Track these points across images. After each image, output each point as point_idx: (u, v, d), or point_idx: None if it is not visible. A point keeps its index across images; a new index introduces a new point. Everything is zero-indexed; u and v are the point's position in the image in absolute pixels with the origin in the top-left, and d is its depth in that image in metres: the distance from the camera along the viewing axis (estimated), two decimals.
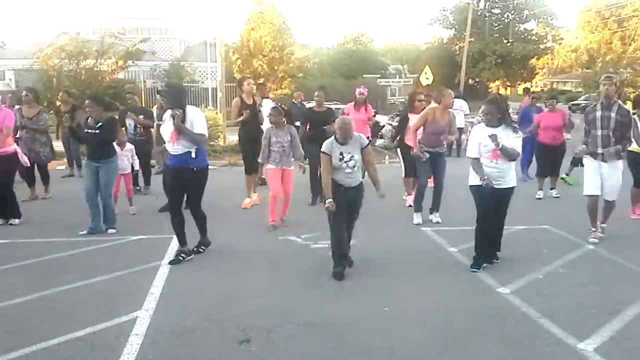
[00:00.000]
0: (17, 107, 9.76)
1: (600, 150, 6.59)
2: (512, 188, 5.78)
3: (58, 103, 11.72)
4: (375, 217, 7.54)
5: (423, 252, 6.51)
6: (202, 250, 6.32)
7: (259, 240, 7.00)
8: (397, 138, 9.19)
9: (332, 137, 5.69)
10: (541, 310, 4.71)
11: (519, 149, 5.65)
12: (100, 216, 7.26)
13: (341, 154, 5.55)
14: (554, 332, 4.33)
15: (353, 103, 10.15)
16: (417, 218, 7.78)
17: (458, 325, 4.47)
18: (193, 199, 6.17)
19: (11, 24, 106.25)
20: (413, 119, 8.30)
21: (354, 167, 5.58)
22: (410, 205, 8.46)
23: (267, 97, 10.75)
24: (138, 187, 9.71)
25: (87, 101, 7.35)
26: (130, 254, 6.36)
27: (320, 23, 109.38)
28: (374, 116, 11.48)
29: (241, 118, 8.52)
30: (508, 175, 5.69)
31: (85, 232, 7.15)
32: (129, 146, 8.59)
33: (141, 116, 9.85)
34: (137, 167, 8.85)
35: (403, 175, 8.99)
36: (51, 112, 12.54)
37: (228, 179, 10.96)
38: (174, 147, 5.86)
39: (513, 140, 5.59)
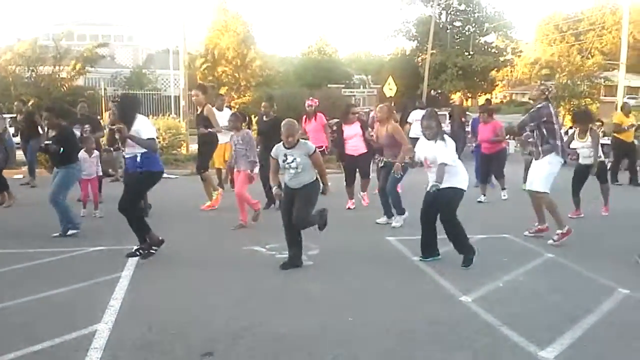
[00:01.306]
0: None
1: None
2: (447, 189, 6.07)
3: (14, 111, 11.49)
4: (339, 226, 7.56)
5: (387, 261, 6.55)
6: (139, 254, 6.31)
7: (223, 250, 6.94)
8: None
9: (281, 143, 6.04)
10: (502, 318, 4.78)
11: (444, 157, 6.09)
12: (67, 211, 7.24)
13: (285, 155, 5.95)
14: (515, 340, 4.40)
15: (305, 115, 10.46)
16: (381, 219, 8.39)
17: (420, 334, 4.50)
18: (123, 196, 6.25)
19: None
20: (347, 130, 9.25)
21: (296, 168, 5.91)
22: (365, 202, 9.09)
23: (227, 107, 10.96)
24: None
25: (44, 113, 7.38)
26: (90, 266, 6.21)
27: (285, 32, 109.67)
28: (333, 125, 11.76)
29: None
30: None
31: (57, 234, 7.16)
32: (96, 152, 8.71)
33: (87, 125, 9.88)
34: (100, 172, 8.90)
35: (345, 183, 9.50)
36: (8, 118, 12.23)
37: (190, 188, 10.85)
38: (126, 152, 6.30)
39: (442, 149, 6.13)
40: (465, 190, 6.26)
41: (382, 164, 8.19)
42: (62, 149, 7.06)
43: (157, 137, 14.45)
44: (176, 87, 34.69)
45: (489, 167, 10.65)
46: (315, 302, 5.22)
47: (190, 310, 4.94)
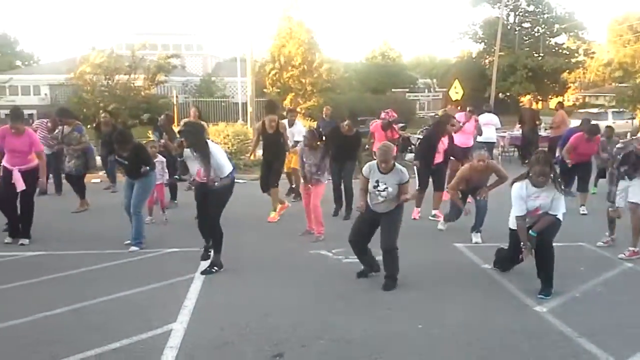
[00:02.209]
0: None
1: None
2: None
3: (100, 119, 12.02)
4: (407, 233, 7.48)
5: (456, 268, 6.44)
6: (214, 271, 6.20)
7: (290, 254, 7.01)
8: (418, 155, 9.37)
9: (375, 162, 5.77)
10: (579, 330, 4.61)
11: (561, 210, 5.54)
12: (142, 227, 7.33)
13: (377, 181, 5.68)
14: (593, 352, 4.23)
15: (380, 123, 10.31)
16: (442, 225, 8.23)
17: (493, 344, 4.39)
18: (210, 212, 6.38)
19: (46, 40, 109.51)
20: (443, 140, 8.88)
21: (385, 197, 5.69)
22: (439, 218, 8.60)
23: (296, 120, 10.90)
24: (175, 202, 9.99)
25: (115, 144, 7.32)
26: (164, 267, 6.43)
27: (348, 38, 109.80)
28: (400, 135, 11.70)
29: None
30: None
31: (129, 241, 7.25)
32: (160, 158, 8.76)
33: (162, 140, 9.96)
34: (166, 180, 9.03)
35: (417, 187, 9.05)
36: (88, 126, 12.80)
37: (258, 192, 11.01)
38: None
39: (561, 201, 5.53)
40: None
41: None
42: (147, 168, 7.20)
43: (227, 143, 14.82)
44: (243, 94, 35.48)
45: (573, 177, 9.73)
46: (384, 308, 5.19)
47: (261, 313, 5.03)
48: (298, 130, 10.25)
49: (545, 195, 5.44)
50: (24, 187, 7.39)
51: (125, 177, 7.52)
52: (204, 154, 6.01)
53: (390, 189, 5.63)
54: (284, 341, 4.41)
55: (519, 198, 5.46)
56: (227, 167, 6.23)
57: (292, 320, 4.85)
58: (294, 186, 10.85)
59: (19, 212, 7.59)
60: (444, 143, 9.06)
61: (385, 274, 5.79)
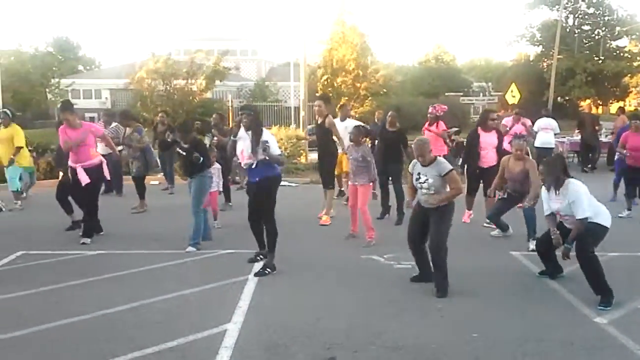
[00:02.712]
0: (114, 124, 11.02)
1: None
2: (593, 224, 5.48)
3: (157, 119, 12.42)
4: (460, 238, 7.39)
5: (511, 276, 6.30)
6: (267, 273, 6.25)
7: (342, 258, 7.02)
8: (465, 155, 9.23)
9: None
10: None
11: (583, 211, 5.42)
12: (200, 228, 7.44)
13: (418, 174, 5.80)
14: None
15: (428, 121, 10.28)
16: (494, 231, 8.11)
17: (552, 356, 4.28)
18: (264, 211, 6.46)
19: (107, 45, 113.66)
20: (483, 137, 8.61)
21: (428, 189, 5.70)
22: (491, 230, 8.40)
23: (349, 117, 10.73)
24: (230, 204, 10.16)
25: (177, 132, 7.70)
26: (219, 268, 6.56)
27: (400, 40, 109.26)
28: (452, 134, 11.54)
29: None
30: None
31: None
32: (217, 165, 8.83)
33: (215, 139, 10.13)
34: (221, 188, 9.09)
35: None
36: (146, 129, 13.23)
37: (309, 196, 11.11)
38: (244, 164, 6.45)
39: (579, 201, 5.47)
40: (609, 229, 5.58)
41: (506, 195, 7.64)
42: (202, 158, 7.33)
43: (280, 147, 15.05)
44: (296, 98, 35.81)
45: (635, 180, 9.56)
46: (437, 315, 5.13)
47: (313, 316, 5.06)
48: (350, 125, 10.09)
49: (561, 199, 5.55)
50: (88, 180, 7.60)
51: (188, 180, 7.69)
52: (258, 133, 6.20)
53: (430, 180, 5.67)
54: (336, 346, 4.43)
55: (544, 199, 5.82)
56: (277, 154, 6.40)
57: (344, 324, 4.86)
58: (343, 189, 10.89)
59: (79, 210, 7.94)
60: (487, 143, 8.64)
61: (434, 276, 5.71)
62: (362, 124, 9.36)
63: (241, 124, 6.44)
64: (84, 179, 7.57)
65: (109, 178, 8.48)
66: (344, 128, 9.36)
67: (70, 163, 7.79)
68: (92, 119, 40.84)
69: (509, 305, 5.41)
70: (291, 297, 5.59)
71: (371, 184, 7.77)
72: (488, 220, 8.46)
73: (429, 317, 5.09)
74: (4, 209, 10.05)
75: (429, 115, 10.23)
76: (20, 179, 10.19)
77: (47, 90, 42.78)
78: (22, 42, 64.55)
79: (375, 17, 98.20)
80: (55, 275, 6.22)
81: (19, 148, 9.96)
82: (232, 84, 32.80)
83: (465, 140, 16.30)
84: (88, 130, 7.77)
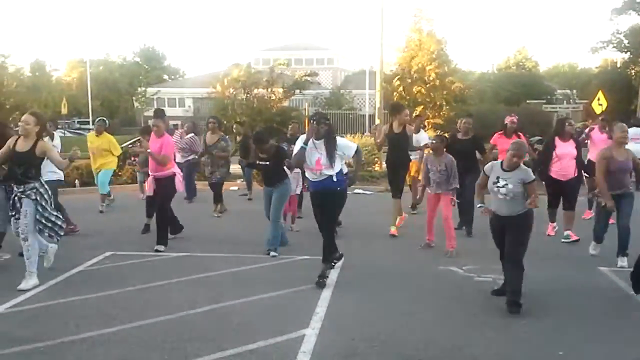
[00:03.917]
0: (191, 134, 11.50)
1: None
2: None
3: (233, 130, 12.82)
4: (546, 252, 7.12)
5: (600, 294, 5.99)
6: (324, 282, 6.14)
7: (419, 268, 6.93)
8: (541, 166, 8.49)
9: (498, 161, 5.67)
10: None
11: None
12: (279, 235, 7.54)
13: (497, 177, 5.48)
14: None
15: (502, 132, 9.31)
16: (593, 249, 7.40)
17: None
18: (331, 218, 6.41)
19: (190, 56, 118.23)
20: (559, 147, 8.15)
21: (505, 195, 5.40)
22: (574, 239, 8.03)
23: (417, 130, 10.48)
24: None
25: (253, 140, 7.87)
26: (296, 273, 6.62)
27: (479, 46, 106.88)
28: (535, 144, 11.05)
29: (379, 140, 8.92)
30: None
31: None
32: (297, 170, 8.92)
33: (293, 146, 10.26)
34: (299, 191, 9.21)
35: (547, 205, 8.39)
36: (227, 136, 13.67)
37: (384, 204, 11.02)
38: (317, 174, 6.14)
39: None
40: None
41: (598, 200, 7.04)
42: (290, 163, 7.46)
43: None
44: (370, 106, 35.79)
45: None
46: (520, 331, 4.95)
47: (390, 326, 5.02)
48: (423, 138, 10.03)
49: None
50: (150, 193, 8.06)
51: (263, 187, 7.86)
52: (333, 144, 6.10)
53: (510, 186, 5.36)
54: (414, 357, 4.37)
55: None
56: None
57: (422, 336, 4.79)
58: (417, 197, 10.74)
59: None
60: (565, 153, 8.13)
61: (507, 290, 5.44)
62: (441, 133, 9.23)
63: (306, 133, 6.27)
64: (151, 189, 8.00)
65: (181, 189, 8.59)
66: (417, 140, 9.35)
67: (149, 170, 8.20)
68: (175, 126, 42.61)
69: (597, 323, 5.15)
70: (368, 306, 5.56)
71: (452, 197, 7.61)
72: (566, 237, 8.10)
73: (511, 332, 4.92)
74: (104, 210, 10.66)
75: (508, 125, 9.24)
76: (110, 182, 10.84)
77: (133, 98, 45.00)
78: (110, 52, 68.19)
79: (453, 22, 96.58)
80: (141, 276, 6.51)
81: (117, 156, 10.85)
82: (308, 92, 33.20)
83: None
84: (163, 145, 7.94)
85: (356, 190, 13.71)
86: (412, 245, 7.96)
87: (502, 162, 5.58)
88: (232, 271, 6.74)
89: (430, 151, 8.12)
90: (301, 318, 5.11)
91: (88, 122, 34.53)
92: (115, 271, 6.82)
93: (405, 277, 6.55)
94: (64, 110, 38.62)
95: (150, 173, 8.10)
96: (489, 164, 5.76)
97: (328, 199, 6.17)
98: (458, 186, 7.66)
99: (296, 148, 6.24)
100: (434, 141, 7.93)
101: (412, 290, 6.07)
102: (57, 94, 43.49)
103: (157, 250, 7.63)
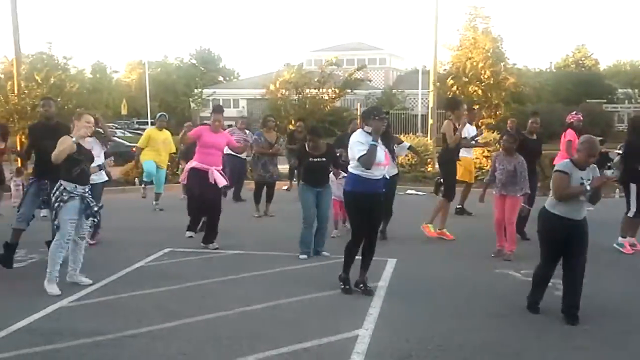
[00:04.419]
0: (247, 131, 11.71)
1: None
2: None
3: (291, 129, 12.94)
4: (607, 260, 6.88)
5: None
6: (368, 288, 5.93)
7: (474, 271, 6.81)
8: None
9: (569, 160, 5.24)
10: None
11: None
12: (320, 236, 7.53)
13: (581, 178, 5.05)
14: None
15: (567, 130, 8.86)
16: None
17: None
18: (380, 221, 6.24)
19: (244, 57, 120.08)
20: None
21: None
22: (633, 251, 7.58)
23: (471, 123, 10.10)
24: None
25: (308, 135, 7.81)
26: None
27: (537, 44, 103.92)
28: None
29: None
30: None
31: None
32: (344, 174, 8.86)
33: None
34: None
35: (632, 214, 7.61)
36: (281, 138, 13.83)
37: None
38: (378, 172, 5.73)
39: None
40: None
41: None
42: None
43: (407, 155, 14.99)
44: (423, 106, 35.42)
45: None
46: (583, 337, 4.80)
47: (444, 329, 4.97)
48: (467, 131, 9.35)
49: None
50: (226, 182, 7.97)
51: (303, 185, 7.54)
52: (391, 139, 6.19)
53: (588, 187, 5.06)
54: None
55: None
56: None
57: (478, 341, 4.71)
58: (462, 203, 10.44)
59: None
60: None
61: (567, 302, 5.14)
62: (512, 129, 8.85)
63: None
64: (222, 181, 7.78)
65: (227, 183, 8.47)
66: (467, 132, 8.99)
67: (199, 164, 7.68)
68: (229, 126, 43.45)
69: None
70: (423, 308, 5.52)
71: (521, 197, 7.33)
72: (621, 243, 7.66)
73: (572, 340, 4.76)
74: (156, 209, 10.97)
75: (575, 122, 8.85)
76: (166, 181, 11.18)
77: (190, 99, 46.06)
78: (168, 53, 70.07)
79: (509, 19, 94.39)
80: (198, 273, 6.67)
81: (172, 154, 11.17)
82: (360, 93, 33.16)
83: (609, 150, 15.05)
84: (227, 140, 8.09)
85: (408, 191, 13.61)
86: (467, 247, 7.83)
87: (572, 161, 5.20)
88: (285, 269, 6.82)
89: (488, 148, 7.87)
90: (355, 318, 5.12)
91: (147, 123, 35.56)
92: (174, 267, 7.01)
93: (460, 280, 6.46)
94: (124, 111, 39.92)
95: (204, 167, 7.64)
96: (564, 162, 5.26)
97: (379, 199, 5.94)
98: (529, 191, 7.39)
99: (359, 146, 5.60)
100: (506, 139, 7.53)
101: (467, 293, 5.98)
102: (117, 95, 45.02)
103: (216, 248, 7.74)
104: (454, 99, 9.85)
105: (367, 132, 5.70)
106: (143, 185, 11.41)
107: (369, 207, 5.76)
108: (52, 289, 5.86)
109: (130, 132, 41.92)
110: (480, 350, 4.51)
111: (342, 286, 5.93)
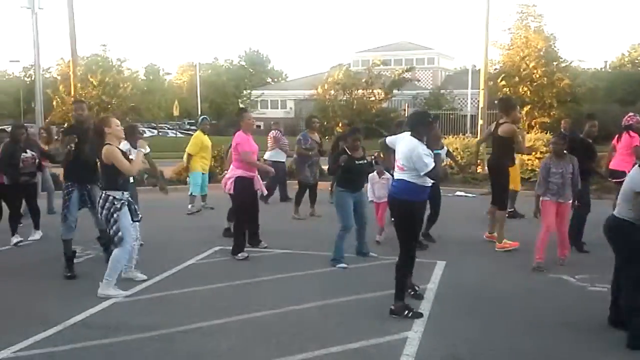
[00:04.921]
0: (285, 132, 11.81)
1: None
2: None
3: (339, 131, 12.96)
4: None
5: None
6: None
7: (527, 275, 6.64)
8: None
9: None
10: None
11: None
12: (362, 238, 7.43)
13: None
14: None
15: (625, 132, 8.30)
16: None
17: None
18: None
19: (292, 58, 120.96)
20: None
21: None
22: None
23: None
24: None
25: (350, 137, 7.44)
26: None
27: (591, 43, 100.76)
28: None
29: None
30: None
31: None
32: (388, 175, 8.67)
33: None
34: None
35: None
36: (326, 137, 13.85)
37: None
38: (429, 180, 5.32)
39: None
40: None
41: None
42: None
43: (456, 156, 14.80)
44: (472, 107, 34.84)
45: None
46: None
47: (495, 333, 4.88)
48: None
49: None
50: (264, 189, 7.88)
51: (342, 191, 7.19)
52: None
53: None
54: None
55: None
56: None
57: (529, 346, 4.60)
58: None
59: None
60: None
61: (630, 322, 4.70)
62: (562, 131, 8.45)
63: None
64: (264, 189, 7.77)
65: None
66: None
67: (244, 172, 7.38)
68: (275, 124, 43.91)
69: None
70: (472, 312, 5.43)
71: (577, 203, 7.06)
72: None
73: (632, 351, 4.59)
74: (203, 209, 11.15)
75: (634, 124, 8.25)
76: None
77: (239, 100, 46.79)
78: (218, 56, 71.41)
79: (562, 18, 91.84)
80: (248, 270, 6.77)
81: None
82: (408, 93, 32.91)
83: None
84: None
85: (457, 193, 13.41)
86: (519, 251, 7.63)
87: None
88: (334, 270, 6.83)
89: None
90: (404, 320, 5.08)
91: (195, 124, 36.40)
92: (224, 265, 7.12)
93: (512, 284, 6.32)
94: (176, 112, 40.90)
95: (248, 175, 7.43)
96: (633, 170, 4.88)
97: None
98: (579, 186, 7.03)
99: (428, 158, 5.13)
100: (554, 141, 7.17)
101: (519, 298, 5.85)
102: (169, 97, 46.15)
103: (266, 247, 7.76)
104: (509, 100, 8.95)
105: (418, 139, 5.23)
106: (192, 199, 10.92)
107: (421, 217, 5.72)
108: (114, 291, 5.80)
109: (181, 133, 42.88)
110: (530, 356, 4.40)
111: (408, 313, 5.22)
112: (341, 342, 4.62)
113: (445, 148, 8.98)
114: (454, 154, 15.93)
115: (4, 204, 8.58)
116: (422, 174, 5.13)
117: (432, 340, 4.69)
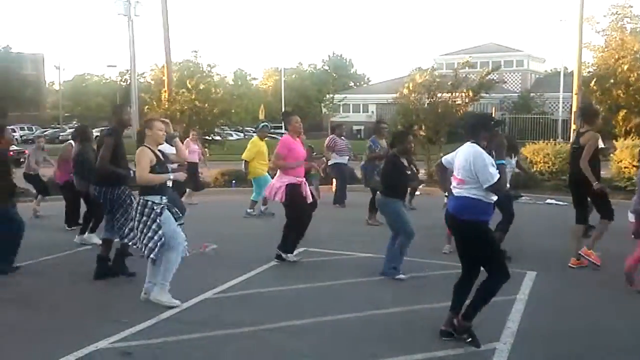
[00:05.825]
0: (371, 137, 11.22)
1: None
2: None
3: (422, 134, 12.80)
4: None
5: None
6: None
7: (620, 290, 6.11)
8: None
9: None
10: None
11: None
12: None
13: None
14: None
15: None
16: None
17: None
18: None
19: (374, 62, 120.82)
20: None
21: None
22: None
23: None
24: None
25: (404, 141, 6.89)
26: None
27: None
28: None
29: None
30: None
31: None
32: None
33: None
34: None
35: None
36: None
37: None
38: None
39: None
40: None
41: None
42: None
43: (547, 162, 14.12)
44: (564, 111, 33.34)
45: None
46: None
47: (588, 345, 4.65)
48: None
49: None
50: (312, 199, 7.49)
51: (395, 201, 6.80)
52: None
53: None
54: None
55: None
56: None
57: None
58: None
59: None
60: None
61: None
62: None
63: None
64: (310, 197, 7.44)
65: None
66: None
67: (295, 178, 7.21)
68: (358, 131, 44.16)
69: None
70: (563, 324, 5.19)
71: None
72: None
73: None
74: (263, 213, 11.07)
75: None
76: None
77: (322, 104, 47.30)
78: (302, 60, 72.63)
79: None
80: (332, 273, 6.82)
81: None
82: (495, 96, 32.00)
83: None
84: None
85: (548, 201, 12.86)
86: (612, 264, 7.18)
87: None
88: (415, 275, 6.72)
89: None
90: (492, 330, 4.91)
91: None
92: (308, 266, 7.19)
93: (604, 299, 5.96)
94: (262, 116, 41.89)
95: (298, 180, 7.24)
96: None
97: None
98: None
99: (493, 168, 4.54)
100: None
101: (611, 312, 5.53)
102: (255, 101, 47.38)
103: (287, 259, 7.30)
104: (592, 108, 8.21)
105: (481, 146, 4.64)
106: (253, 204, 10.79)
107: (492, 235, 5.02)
108: (170, 299, 5.51)
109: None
110: None
111: (470, 340, 4.66)
112: (425, 349, 4.55)
113: (515, 158, 8.08)
114: (546, 159, 15.36)
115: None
116: (484, 186, 4.49)
117: (523, 354, 4.52)
